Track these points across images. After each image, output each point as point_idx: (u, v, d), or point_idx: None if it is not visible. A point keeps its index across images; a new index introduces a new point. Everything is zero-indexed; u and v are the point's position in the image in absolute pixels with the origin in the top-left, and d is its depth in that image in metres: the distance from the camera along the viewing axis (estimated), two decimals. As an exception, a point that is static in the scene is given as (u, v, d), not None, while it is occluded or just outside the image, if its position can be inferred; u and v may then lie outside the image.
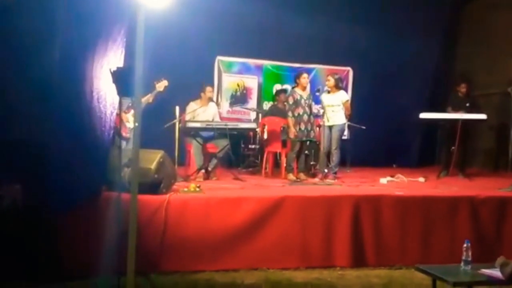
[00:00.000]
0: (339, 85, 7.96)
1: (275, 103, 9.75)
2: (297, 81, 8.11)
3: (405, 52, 10.76)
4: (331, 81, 7.86)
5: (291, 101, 7.98)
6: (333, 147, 7.66)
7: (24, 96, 4.71)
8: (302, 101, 7.90)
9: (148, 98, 7.24)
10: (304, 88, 8.02)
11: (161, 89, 7.42)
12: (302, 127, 7.87)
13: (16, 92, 4.71)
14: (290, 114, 7.92)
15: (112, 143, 5.58)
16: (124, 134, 7.05)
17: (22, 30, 4.64)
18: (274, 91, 10.61)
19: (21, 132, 4.71)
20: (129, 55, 5.04)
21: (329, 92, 7.85)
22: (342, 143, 8.09)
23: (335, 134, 7.70)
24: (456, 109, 8.71)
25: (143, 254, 4.73)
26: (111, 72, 4.66)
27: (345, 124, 7.97)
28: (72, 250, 4.95)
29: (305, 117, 7.87)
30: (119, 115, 5.54)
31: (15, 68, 4.72)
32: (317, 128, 8.12)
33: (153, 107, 7.33)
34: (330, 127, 7.70)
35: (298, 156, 8.08)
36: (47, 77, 4.70)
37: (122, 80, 4.57)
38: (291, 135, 7.92)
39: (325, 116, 7.60)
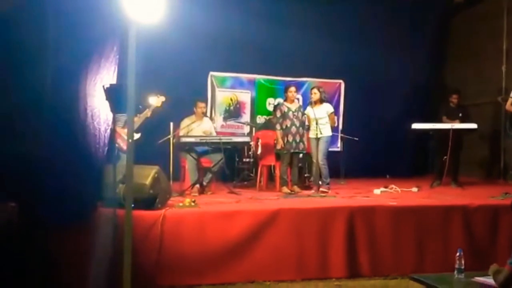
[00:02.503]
0: (323, 98, 7.94)
1: (271, 117, 9.80)
2: (285, 94, 8.21)
3: (396, 63, 10.93)
4: (317, 95, 7.83)
5: (278, 114, 8.09)
6: (320, 159, 7.62)
7: (18, 113, 4.71)
8: (290, 113, 7.98)
9: (146, 113, 7.35)
10: (292, 101, 8.10)
11: (159, 104, 7.51)
12: (290, 139, 7.93)
13: (9, 109, 4.70)
14: (278, 126, 8.02)
15: (107, 159, 5.59)
16: (125, 147, 7.12)
17: (15, 46, 4.64)
18: (267, 105, 10.69)
19: (15, 149, 4.69)
20: (122, 72, 5.08)
21: (312, 105, 7.76)
22: (336, 155, 8.08)
23: (323, 145, 7.65)
24: (450, 118, 8.79)
25: (138, 269, 4.75)
26: (104, 89, 4.71)
27: (331, 136, 7.95)
28: (67, 266, 4.93)
29: (293, 129, 7.93)
30: (116, 131, 5.58)
31: (6, 85, 4.72)
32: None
33: (148, 123, 7.40)
34: (318, 139, 7.62)
35: (290, 168, 8.12)
36: (40, 94, 4.71)
37: (116, 97, 4.62)
38: (279, 147, 8.01)
39: (317, 129, 7.57)
